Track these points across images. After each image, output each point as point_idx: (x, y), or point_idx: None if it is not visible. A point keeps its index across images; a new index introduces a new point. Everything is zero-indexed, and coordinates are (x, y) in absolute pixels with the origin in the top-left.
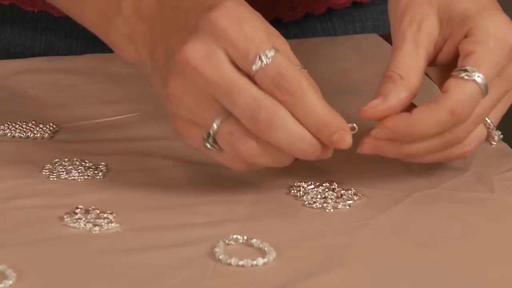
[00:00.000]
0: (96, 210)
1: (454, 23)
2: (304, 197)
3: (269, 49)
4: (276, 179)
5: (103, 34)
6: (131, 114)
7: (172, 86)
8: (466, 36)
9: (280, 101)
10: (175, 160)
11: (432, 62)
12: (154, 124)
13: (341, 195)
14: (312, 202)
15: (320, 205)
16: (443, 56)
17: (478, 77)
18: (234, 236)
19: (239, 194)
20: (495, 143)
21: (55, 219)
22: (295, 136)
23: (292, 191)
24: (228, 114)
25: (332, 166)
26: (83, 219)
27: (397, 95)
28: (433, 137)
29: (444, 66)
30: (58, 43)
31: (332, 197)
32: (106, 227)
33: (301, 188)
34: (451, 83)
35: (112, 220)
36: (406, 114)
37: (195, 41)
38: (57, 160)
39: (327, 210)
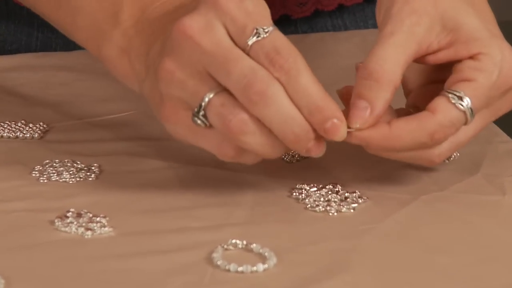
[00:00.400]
0: (88, 214)
1: (460, 36)
2: (307, 200)
3: (268, 25)
4: (277, 181)
5: (95, 48)
6: (126, 113)
7: (166, 61)
8: (471, 58)
9: (274, 78)
10: (172, 161)
11: (418, 60)
12: (150, 123)
13: (345, 198)
14: (314, 205)
15: (323, 209)
16: (434, 59)
17: (469, 109)
18: (233, 241)
19: (238, 197)
20: (447, 161)
21: (46, 223)
22: (287, 115)
23: (294, 193)
24: (221, 89)
25: (336, 167)
26: (75, 223)
27: (383, 99)
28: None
29: (434, 68)
30: (55, 40)
31: (335, 200)
32: (99, 231)
33: (303, 190)
34: (440, 104)
35: (105, 224)
36: (384, 128)
37: (195, 13)
38: (47, 161)
39: (330, 214)
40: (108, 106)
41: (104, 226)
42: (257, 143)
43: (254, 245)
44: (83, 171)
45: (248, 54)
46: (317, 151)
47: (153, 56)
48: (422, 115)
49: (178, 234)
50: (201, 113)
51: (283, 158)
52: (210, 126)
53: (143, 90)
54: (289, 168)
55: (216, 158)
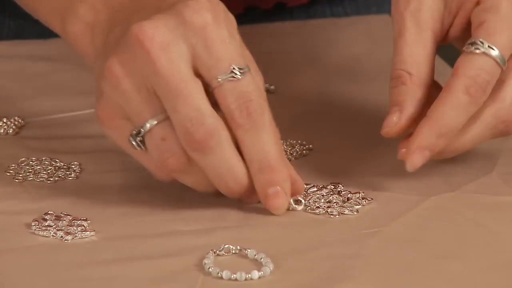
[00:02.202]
0: (68, 217)
1: None
2: (306, 201)
3: (244, 66)
4: None
5: (59, 22)
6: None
7: (115, 61)
8: (477, 4)
9: (234, 123)
10: None
11: (444, 40)
12: None
13: (348, 199)
14: (314, 207)
15: (323, 211)
16: (456, 31)
17: (489, 48)
18: (226, 246)
19: (231, 199)
20: None
21: (22, 227)
22: (226, 167)
23: None
24: (165, 117)
25: (338, 165)
26: (54, 226)
27: (413, 99)
28: (473, 123)
29: (464, 39)
30: (29, 28)
31: (337, 201)
32: (79, 235)
33: None
34: (460, 61)
35: (87, 227)
36: (423, 120)
37: (161, 21)
38: (23, 159)
39: (332, 216)
40: (89, 100)
41: (85, 230)
42: (192, 181)
43: (249, 250)
44: (62, 170)
45: (211, 90)
46: (248, 200)
47: (111, 41)
48: (448, 80)
49: (165, 238)
50: (139, 138)
51: None
52: (146, 151)
53: (94, 69)
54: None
55: None
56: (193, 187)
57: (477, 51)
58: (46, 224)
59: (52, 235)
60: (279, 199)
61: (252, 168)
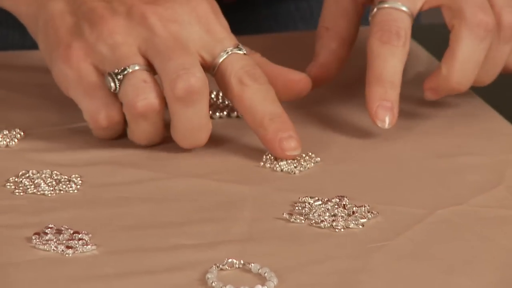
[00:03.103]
0: (69, 230)
1: None
2: (311, 215)
3: (242, 48)
4: (277, 194)
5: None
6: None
7: (115, 20)
8: None
9: (242, 84)
10: (161, 172)
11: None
12: None
13: (353, 212)
14: (319, 220)
15: (328, 224)
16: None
17: (394, 2)
18: (229, 260)
19: (235, 212)
20: None
21: (22, 241)
22: (200, 123)
23: (296, 208)
24: (150, 70)
25: (342, 178)
26: (54, 240)
27: (326, 50)
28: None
29: None
30: (31, 39)
31: (342, 214)
32: (80, 249)
33: (306, 204)
34: (372, 17)
35: (88, 241)
36: (367, 82)
37: (174, 3)
38: (23, 171)
39: (336, 230)
40: None
41: (87, 244)
42: (146, 131)
43: (253, 264)
44: (63, 182)
45: (216, 64)
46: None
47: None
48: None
49: (168, 252)
50: (120, 77)
51: (283, 170)
52: (114, 92)
53: (51, 8)
54: (291, 179)
55: (211, 169)
56: (139, 138)
57: (384, 5)
58: (47, 237)
59: (53, 249)
60: (294, 141)
61: (264, 120)
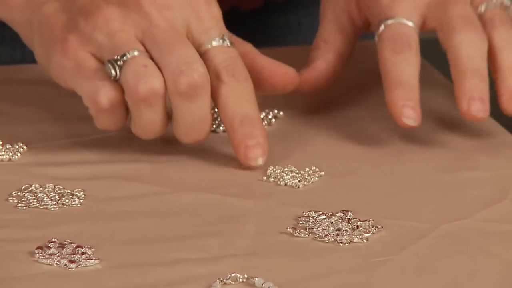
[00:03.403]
0: (72, 244)
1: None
2: (315, 229)
3: (230, 37)
4: (281, 208)
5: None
6: (113, 133)
7: (110, 8)
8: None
9: (220, 81)
10: (165, 186)
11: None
12: (140, 144)
13: (357, 226)
14: (323, 235)
15: (333, 239)
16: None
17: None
18: (233, 275)
19: (238, 226)
20: None
21: (25, 255)
22: (202, 118)
23: (300, 222)
24: (146, 53)
25: (347, 192)
26: (57, 254)
27: (324, 58)
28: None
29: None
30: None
31: (347, 229)
32: (83, 263)
33: (310, 218)
34: (380, 34)
35: (91, 255)
36: (386, 89)
37: None
38: (26, 185)
39: (341, 245)
40: (94, 125)
41: (90, 258)
42: (149, 119)
43: (257, 279)
44: (65, 196)
45: (203, 52)
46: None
47: None
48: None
49: (171, 266)
50: (119, 63)
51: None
52: (115, 79)
53: (45, 10)
54: (295, 193)
55: (215, 183)
56: (142, 127)
57: (389, 22)
58: (50, 252)
59: (56, 263)
60: (259, 149)
61: (234, 122)
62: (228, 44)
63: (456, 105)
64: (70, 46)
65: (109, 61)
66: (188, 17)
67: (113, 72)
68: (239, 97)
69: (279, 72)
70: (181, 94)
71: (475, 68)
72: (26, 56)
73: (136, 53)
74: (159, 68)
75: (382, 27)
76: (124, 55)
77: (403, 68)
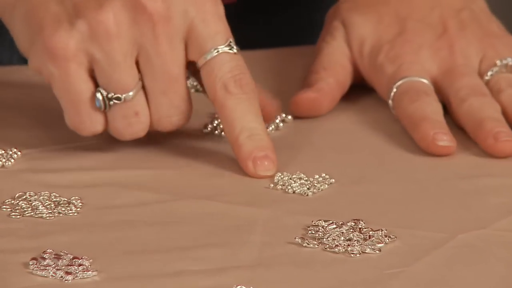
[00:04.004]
0: (68, 255)
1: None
2: (324, 239)
3: (234, 44)
4: (289, 217)
5: None
6: (112, 138)
7: (111, 15)
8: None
9: (227, 92)
10: (165, 194)
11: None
12: (140, 149)
13: (369, 236)
14: (333, 245)
15: (343, 249)
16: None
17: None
18: (238, 287)
19: (244, 236)
20: None
21: (18, 266)
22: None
23: (309, 231)
24: (141, 85)
25: (358, 200)
26: (53, 265)
27: (325, 81)
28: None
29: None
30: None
31: (358, 239)
32: (81, 275)
33: (320, 228)
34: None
35: (88, 267)
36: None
37: None
38: (20, 193)
39: (352, 255)
40: None
41: (87, 270)
42: (138, 129)
43: None
44: (62, 205)
45: (204, 62)
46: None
47: None
48: None
49: (172, 278)
50: (111, 102)
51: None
52: (104, 111)
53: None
54: (304, 201)
55: (219, 190)
56: (121, 135)
57: (400, 82)
58: (45, 263)
59: (52, 275)
60: (269, 161)
61: (241, 136)
62: (235, 51)
63: (482, 146)
64: (61, 51)
65: (101, 93)
66: (193, 21)
67: (102, 105)
68: (246, 111)
69: (265, 102)
70: (165, 130)
71: (490, 116)
72: (14, 58)
73: (131, 94)
74: (146, 95)
75: (394, 90)
76: (119, 98)
77: (424, 108)
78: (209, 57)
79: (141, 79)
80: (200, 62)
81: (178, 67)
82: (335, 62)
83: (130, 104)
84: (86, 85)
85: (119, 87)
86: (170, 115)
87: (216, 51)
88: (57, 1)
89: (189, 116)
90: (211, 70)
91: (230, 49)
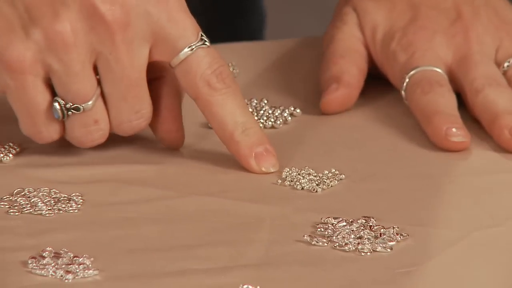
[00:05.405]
0: (69, 254)
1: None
2: (334, 237)
3: (205, 38)
4: (298, 214)
5: None
6: (112, 133)
7: (67, 25)
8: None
9: (211, 89)
10: (170, 190)
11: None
12: (142, 144)
13: (381, 234)
14: (343, 243)
15: (354, 248)
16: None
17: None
18: (245, 286)
19: (250, 233)
20: None
21: (17, 265)
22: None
23: (319, 229)
24: (99, 92)
25: (369, 197)
26: (53, 264)
27: (349, 73)
28: None
29: None
30: None
31: (369, 237)
32: (81, 274)
33: (329, 225)
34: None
35: (89, 266)
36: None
37: None
38: (19, 189)
39: (362, 254)
40: None
41: (88, 269)
42: (100, 136)
43: None
44: (62, 201)
45: (178, 63)
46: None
47: None
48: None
49: (176, 278)
50: (70, 112)
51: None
52: (61, 120)
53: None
54: (313, 198)
55: (225, 186)
56: (82, 139)
57: (413, 71)
58: (45, 262)
59: (51, 274)
60: (271, 156)
61: (236, 132)
62: (208, 43)
63: (497, 141)
64: (17, 64)
65: (59, 103)
66: (158, 21)
67: (60, 114)
68: (234, 104)
69: (174, 126)
70: (126, 134)
71: (506, 109)
72: None
73: (90, 104)
74: (105, 101)
75: (406, 80)
76: (77, 108)
77: (437, 101)
78: (183, 56)
79: (99, 84)
80: (173, 63)
81: (138, 72)
82: (350, 48)
83: (89, 113)
84: (42, 96)
85: (78, 97)
86: (131, 120)
87: (190, 49)
88: (8, 2)
89: (150, 119)
90: (189, 69)
91: (203, 44)
